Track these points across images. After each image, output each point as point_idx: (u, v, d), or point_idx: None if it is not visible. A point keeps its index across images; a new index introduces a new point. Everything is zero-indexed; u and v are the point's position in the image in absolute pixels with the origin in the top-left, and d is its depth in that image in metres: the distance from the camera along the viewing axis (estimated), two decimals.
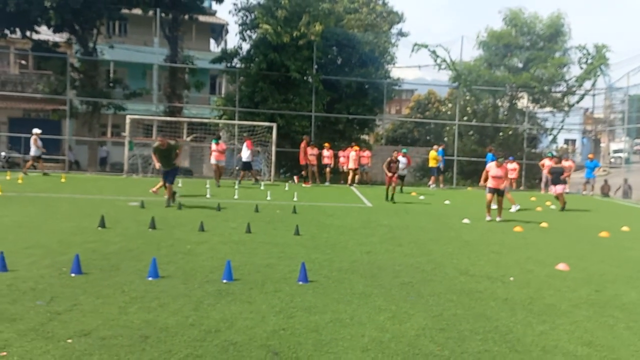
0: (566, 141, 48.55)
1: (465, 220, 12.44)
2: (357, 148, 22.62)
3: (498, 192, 12.88)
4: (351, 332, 4.68)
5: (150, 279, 6.08)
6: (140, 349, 4.11)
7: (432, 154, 23.07)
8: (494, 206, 13.11)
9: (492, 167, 12.93)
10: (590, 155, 23.10)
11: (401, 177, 19.44)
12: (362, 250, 8.37)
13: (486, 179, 13.03)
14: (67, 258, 6.81)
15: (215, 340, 4.36)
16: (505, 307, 5.68)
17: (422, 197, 18.00)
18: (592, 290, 6.56)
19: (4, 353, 3.94)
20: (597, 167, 23.11)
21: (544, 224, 12.35)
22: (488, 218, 12.88)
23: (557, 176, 16.07)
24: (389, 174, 16.29)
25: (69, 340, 4.22)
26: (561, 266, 7.72)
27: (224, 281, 6.11)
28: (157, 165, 12.99)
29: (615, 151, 39.89)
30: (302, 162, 21.61)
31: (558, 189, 15.93)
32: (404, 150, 20.48)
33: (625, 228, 12.33)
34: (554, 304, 5.86)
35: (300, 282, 6.20)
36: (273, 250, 8.07)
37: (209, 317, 4.89)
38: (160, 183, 15.33)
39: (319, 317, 5.03)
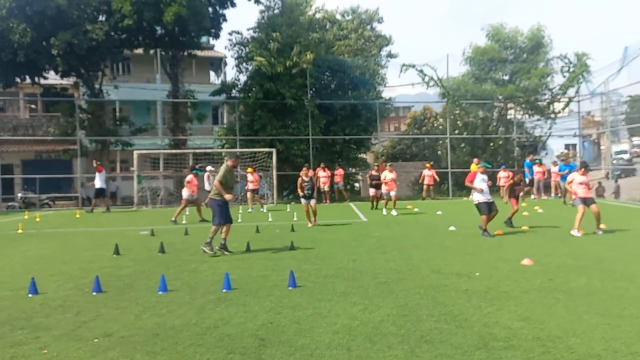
0: (567, 146, 49.33)
1: (451, 228, 13.36)
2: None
3: (588, 202, 11.86)
4: (327, 322, 5.64)
5: (160, 292, 7.08)
6: (152, 343, 5.11)
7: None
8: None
9: (576, 176, 12.05)
10: (564, 159, 23.99)
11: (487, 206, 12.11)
12: (349, 259, 9.33)
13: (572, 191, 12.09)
14: (88, 281, 7.84)
15: (214, 333, 5.35)
16: (464, 296, 6.61)
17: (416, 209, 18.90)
18: (546, 279, 7.48)
19: (45, 351, 4.95)
20: (572, 169, 23.81)
21: (524, 227, 13.24)
22: (578, 233, 11.58)
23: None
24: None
25: (96, 340, 5.22)
26: (525, 261, 8.62)
27: (224, 290, 7.10)
28: (229, 197, 10.00)
29: (617, 152, 40.71)
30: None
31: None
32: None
33: (602, 226, 13.03)
34: (507, 292, 6.79)
35: (290, 288, 7.17)
36: (268, 263, 9.06)
37: (209, 318, 5.88)
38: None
39: (302, 313, 6.00)
